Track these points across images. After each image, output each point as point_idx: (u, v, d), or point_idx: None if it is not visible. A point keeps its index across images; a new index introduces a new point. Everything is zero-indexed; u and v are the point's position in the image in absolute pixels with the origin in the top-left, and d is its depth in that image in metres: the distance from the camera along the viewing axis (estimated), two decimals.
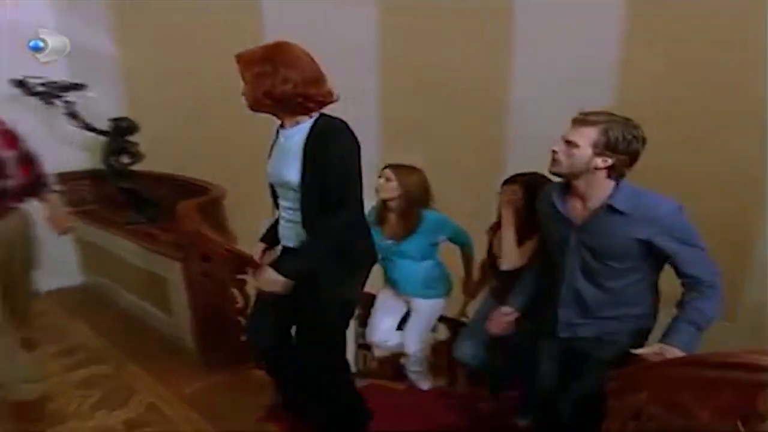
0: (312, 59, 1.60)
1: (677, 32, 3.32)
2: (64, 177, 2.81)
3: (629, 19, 3.51)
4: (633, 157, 1.47)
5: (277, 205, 1.79)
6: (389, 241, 2.32)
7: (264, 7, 4.04)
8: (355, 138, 1.62)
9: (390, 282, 2.49)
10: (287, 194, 1.69)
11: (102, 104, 3.49)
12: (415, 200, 2.24)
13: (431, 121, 4.30)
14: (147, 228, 3.11)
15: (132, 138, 3.36)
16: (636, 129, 1.45)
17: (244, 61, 1.57)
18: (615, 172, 1.47)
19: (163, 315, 2.95)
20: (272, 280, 1.62)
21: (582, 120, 1.48)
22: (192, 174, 3.54)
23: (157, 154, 3.51)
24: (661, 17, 3.37)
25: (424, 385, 2.50)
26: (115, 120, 3.34)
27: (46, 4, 3.55)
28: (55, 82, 3.42)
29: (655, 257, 1.51)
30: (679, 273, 1.50)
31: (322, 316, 1.72)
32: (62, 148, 3.54)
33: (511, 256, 2.00)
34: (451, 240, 2.38)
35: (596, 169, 1.46)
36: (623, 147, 1.42)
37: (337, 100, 1.66)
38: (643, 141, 1.45)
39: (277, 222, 1.83)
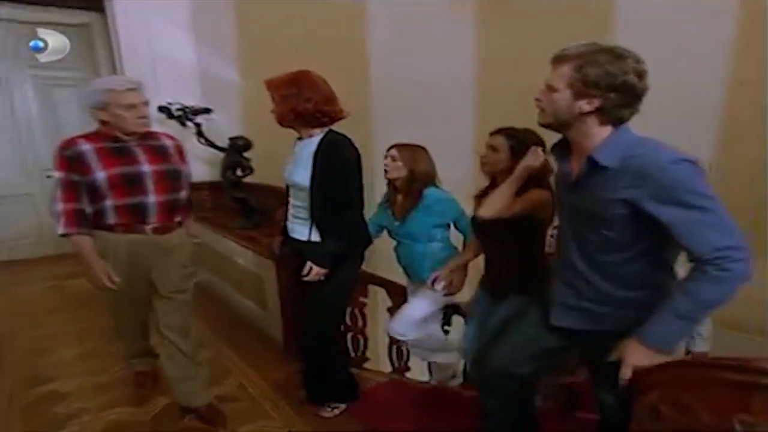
0: (326, 83, 1.98)
1: None
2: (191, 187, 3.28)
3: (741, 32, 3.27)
4: (628, 95, 1.20)
5: (287, 204, 2.17)
6: (396, 223, 2.35)
7: (369, 32, 4.36)
8: (357, 150, 2.01)
9: (401, 267, 2.47)
10: (298, 194, 2.07)
11: (223, 125, 4.04)
12: (419, 178, 2.26)
13: None
14: (252, 233, 3.52)
15: (246, 154, 3.85)
16: (623, 59, 1.19)
17: (274, 85, 1.95)
18: (608, 116, 1.23)
19: (258, 309, 3.29)
20: (318, 272, 2.00)
21: (558, 57, 1.26)
22: None
23: (267, 169, 3.96)
24: None
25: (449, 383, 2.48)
26: (233, 138, 3.84)
27: (187, 40, 4.24)
28: (189, 107, 4.04)
29: (656, 226, 1.20)
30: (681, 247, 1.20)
31: (331, 293, 2.09)
32: (191, 163, 4.16)
33: (492, 204, 1.79)
34: (456, 226, 2.30)
35: (583, 114, 1.23)
36: (608, 83, 1.18)
37: (347, 116, 2.02)
38: (638, 74, 1.19)
39: (286, 219, 2.18)
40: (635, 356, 1.19)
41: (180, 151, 2.15)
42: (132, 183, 1.94)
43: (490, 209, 1.78)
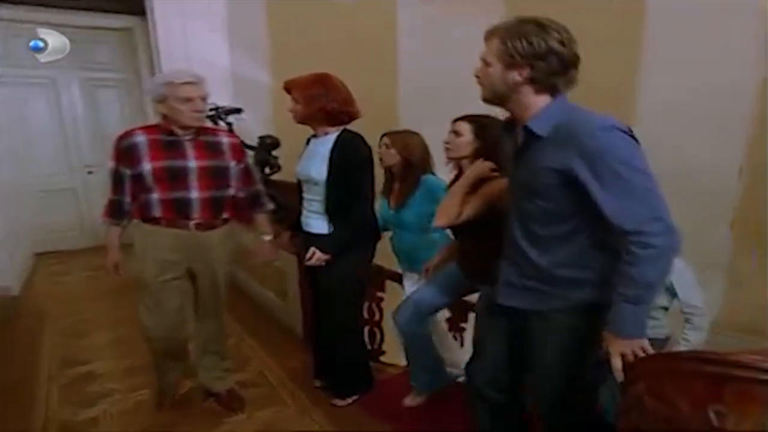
0: (344, 85, 2.10)
1: None
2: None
3: None
4: (556, 62, 1.20)
5: (301, 200, 2.26)
6: (391, 211, 2.35)
7: (399, 33, 4.43)
8: (370, 147, 2.12)
9: (396, 257, 2.47)
10: (312, 189, 2.16)
11: (253, 124, 4.19)
12: (414, 165, 2.28)
13: None
14: (276, 227, 3.62)
15: (274, 152, 3.98)
16: (545, 29, 1.20)
17: (300, 85, 2.06)
18: (541, 85, 1.23)
19: (279, 301, 3.40)
20: (319, 257, 2.08)
21: (488, 33, 1.28)
22: None
23: (292, 166, 4.08)
24: None
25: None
26: (262, 137, 3.98)
27: (221, 43, 4.41)
28: (221, 107, 4.19)
29: (591, 198, 1.17)
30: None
31: (339, 283, 2.18)
32: None
33: (445, 212, 1.75)
34: None
35: (517, 85, 1.24)
36: (533, 52, 1.19)
37: (361, 116, 2.13)
38: (562, 42, 1.20)
39: (300, 213, 2.25)
40: (615, 346, 1.20)
41: (235, 149, 2.13)
42: (175, 177, 1.95)
43: (444, 217, 1.77)
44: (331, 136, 2.12)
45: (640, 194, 1.13)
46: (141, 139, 1.94)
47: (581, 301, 1.29)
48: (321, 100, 2.03)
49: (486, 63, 1.28)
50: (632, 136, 1.18)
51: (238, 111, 4.17)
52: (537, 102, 1.26)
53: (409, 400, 2.34)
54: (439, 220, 1.78)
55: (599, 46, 3.78)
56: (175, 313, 2.12)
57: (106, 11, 4.84)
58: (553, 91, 1.25)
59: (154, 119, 2.14)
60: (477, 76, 1.32)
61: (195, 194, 1.98)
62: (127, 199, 2.02)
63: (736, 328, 2.91)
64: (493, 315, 1.53)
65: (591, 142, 1.14)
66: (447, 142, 1.90)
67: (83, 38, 5.25)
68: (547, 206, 1.27)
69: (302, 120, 2.12)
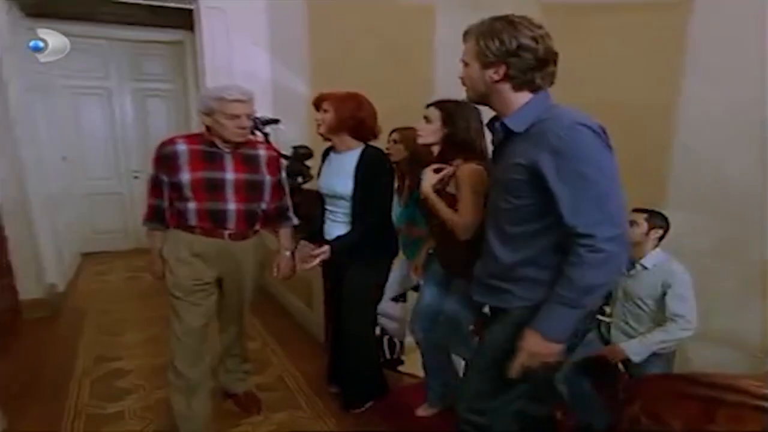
0: (372, 105, 2.16)
1: None
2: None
3: None
4: (531, 58, 1.21)
5: (322, 211, 2.30)
6: (400, 207, 2.37)
7: (437, 51, 4.44)
8: (391, 163, 2.21)
9: (404, 254, 2.47)
10: (336, 202, 2.20)
11: (288, 134, 4.28)
12: (421, 159, 2.22)
13: None
14: (297, 238, 3.66)
15: (307, 162, 4.05)
16: (515, 25, 1.21)
17: (332, 98, 2.10)
18: (518, 81, 1.24)
19: (304, 307, 3.44)
20: (321, 251, 2.10)
21: (464, 35, 1.31)
22: None
23: None
24: None
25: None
26: (296, 147, 4.06)
27: (264, 56, 4.56)
28: (259, 118, 4.31)
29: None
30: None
31: (358, 291, 2.22)
32: None
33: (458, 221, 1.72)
34: None
35: (495, 83, 1.25)
36: (506, 49, 1.20)
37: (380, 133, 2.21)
38: (534, 38, 1.20)
39: (322, 223, 2.31)
40: (531, 344, 1.19)
41: (271, 163, 2.12)
42: (213, 189, 1.96)
43: (463, 232, 1.72)
44: (355, 151, 2.16)
45: (597, 196, 1.11)
46: (182, 148, 1.95)
47: (541, 302, 1.25)
48: (353, 113, 2.09)
49: (465, 64, 1.31)
50: (604, 137, 1.16)
51: (275, 122, 4.27)
52: (518, 99, 1.27)
53: (422, 410, 2.32)
54: (463, 233, 1.72)
55: (642, 58, 3.74)
56: (200, 332, 2.08)
57: (161, 26, 5.10)
58: (532, 87, 1.25)
59: (198, 128, 2.17)
60: (461, 78, 1.35)
61: (231, 206, 1.99)
62: (165, 204, 2.03)
63: None
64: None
65: (558, 138, 1.13)
66: (418, 129, 1.94)
67: (137, 51, 5.58)
68: (517, 203, 1.26)
69: (329, 131, 2.14)
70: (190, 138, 2.01)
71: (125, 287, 4.56)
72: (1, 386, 2.23)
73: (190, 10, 4.38)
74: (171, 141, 1.98)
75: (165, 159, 1.95)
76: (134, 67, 5.64)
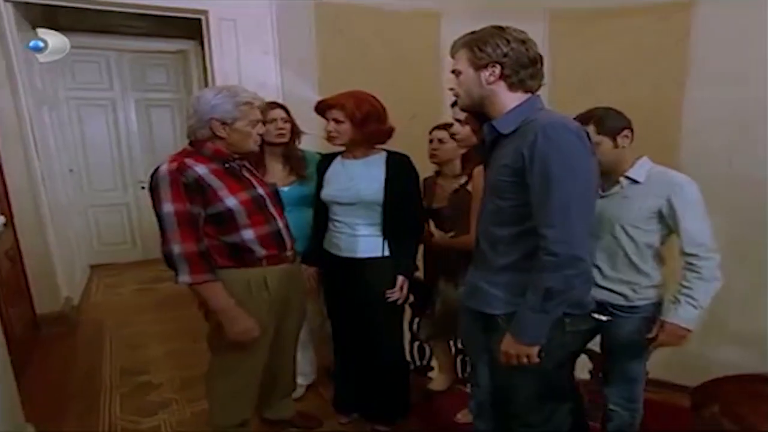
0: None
1: None
2: None
3: None
4: (522, 59, 1.24)
5: (318, 225, 2.13)
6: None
7: (444, 57, 4.46)
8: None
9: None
10: (356, 211, 2.00)
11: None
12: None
13: None
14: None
15: None
16: (503, 30, 1.26)
17: (344, 105, 1.91)
18: (513, 80, 1.26)
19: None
20: (401, 284, 2.02)
21: (453, 47, 1.35)
22: None
23: None
24: None
25: None
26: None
27: (272, 64, 4.57)
28: None
29: None
30: None
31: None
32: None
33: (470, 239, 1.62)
34: None
35: (490, 84, 1.27)
36: (499, 50, 1.23)
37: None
38: (521, 41, 1.24)
39: (320, 240, 2.14)
40: (504, 344, 1.25)
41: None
42: (261, 208, 1.71)
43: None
44: (377, 156, 2.03)
45: (560, 198, 1.12)
46: (203, 170, 1.61)
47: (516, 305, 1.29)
48: (374, 121, 1.94)
49: (457, 72, 1.33)
50: (586, 141, 1.18)
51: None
52: (512, 100, 1.28)
53: (462, 416, 2.32)
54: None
55: (646, 62, 3.81)
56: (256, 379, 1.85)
57: (163, 36, 5.08)
58: (525, 87, 1.28)
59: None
60: (451, 89, 1.37)
61: (280, 223, 1.77)
62: (205, 245, 1.62)
63: None
64: (472, 331, 1.51)
65: (538, 138, 1.14)
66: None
67: (141, 61, 5.54)
68: (502, 205, 1.27)
69: (349, 142, 1.97)
70: (194, 156, 1.65)
71: (138, 299, 4.52)
72: (29, 403, 2.20)
73: (198, 20, 4.37)
74: (183, 164, 1.59)
75: (194, 186, 1.58)
76: (138, 77, 5.60)
